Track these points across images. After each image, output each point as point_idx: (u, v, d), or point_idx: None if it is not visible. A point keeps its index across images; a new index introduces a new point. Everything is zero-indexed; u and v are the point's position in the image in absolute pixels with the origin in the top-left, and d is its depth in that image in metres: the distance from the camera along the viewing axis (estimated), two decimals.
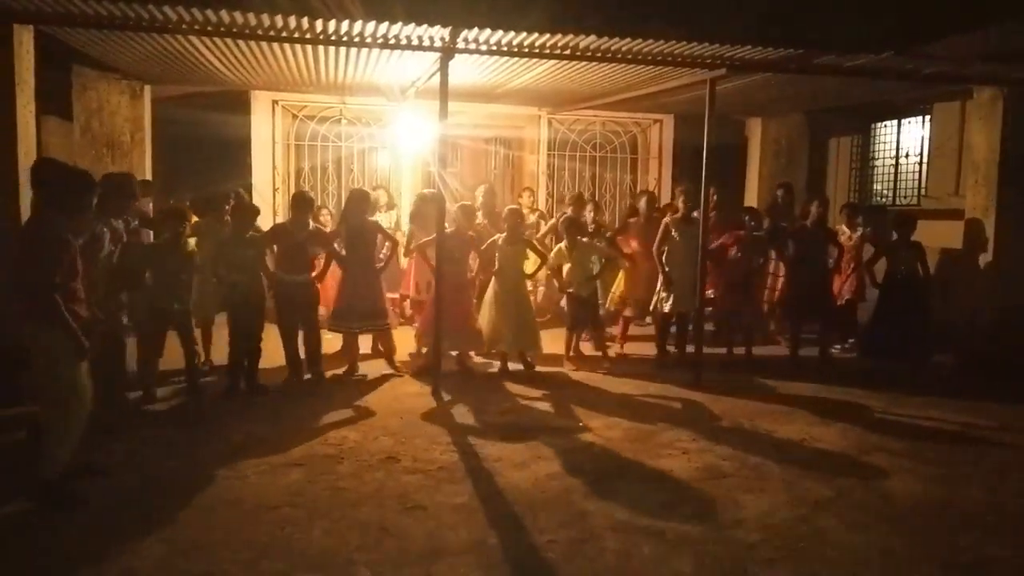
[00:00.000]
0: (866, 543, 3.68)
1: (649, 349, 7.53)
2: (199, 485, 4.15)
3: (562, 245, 7.13)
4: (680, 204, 7.23)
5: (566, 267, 7.13)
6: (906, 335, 6.87)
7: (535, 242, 7.51)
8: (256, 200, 9.06)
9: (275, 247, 6.30)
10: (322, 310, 6.67)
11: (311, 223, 6.43)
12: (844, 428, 5.43)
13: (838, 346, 7.84)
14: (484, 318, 6.86)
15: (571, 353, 7.16)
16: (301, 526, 3.67)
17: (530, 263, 7.09)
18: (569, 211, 7.97)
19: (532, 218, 8.63)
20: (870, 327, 7.22)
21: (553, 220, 8.55)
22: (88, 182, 3.97)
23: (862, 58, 6.14)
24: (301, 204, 6.35)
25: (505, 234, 6.84)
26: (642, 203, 7.77)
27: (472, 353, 6.99)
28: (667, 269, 7.06)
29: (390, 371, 6.68)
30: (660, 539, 3.63)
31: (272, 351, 6.22)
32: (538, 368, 6.90)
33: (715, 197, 7.18)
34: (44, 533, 3.57)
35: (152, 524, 3.66)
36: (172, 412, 5.53)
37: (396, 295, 8.01)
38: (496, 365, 6.91)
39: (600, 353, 7.20)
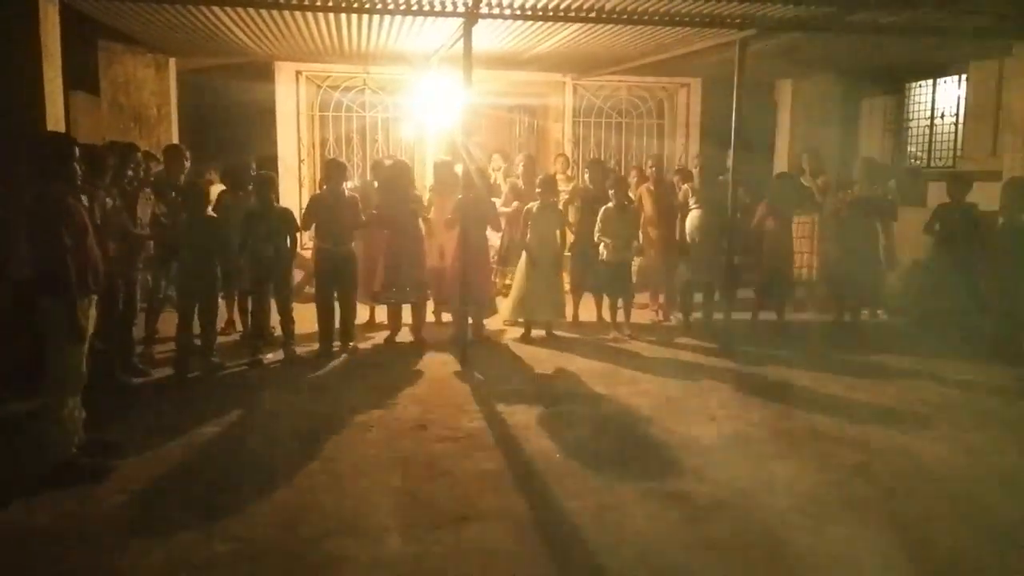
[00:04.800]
0: (901, 509, 3.64)
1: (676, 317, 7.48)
2: (229, 453, 4.23)
3: (609, 206, 6.91)
4: (695, 172, 7.12)
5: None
6: (962, 300, 6.69)
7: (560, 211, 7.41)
8: (282, 171, 9.12)
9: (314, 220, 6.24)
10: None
11: (346, 191, 6.34)
12: (876, 394, 5.37)
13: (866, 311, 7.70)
14: (515, 286, 6.88)
15: (617, 320, 7.09)
16: (333, 492, 3.71)
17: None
18: (586, 178, 7.81)
19: (566, 186, 8.39)
20: (923, 295, 7.10)
21: (574, 185, 8.31)
22: (61, 146, 3.89)
23: (898, 14, 5.94)
24: (333, 171, 6.27)
25: (538, 202, 6.80)
26: (649, 169, 7.71)
27: (485, 322, 6.90)
28: (688, 239, 7.00)
29: (416, 341, 6.68)
30: (688, 505, 3.63)
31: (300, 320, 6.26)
32: (563, 335, 6.90)
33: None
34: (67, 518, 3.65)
35: (182, 492, 3.75)
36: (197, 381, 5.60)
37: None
38: (519, 333, 6.90)
39: (626, 320, 7.15)
